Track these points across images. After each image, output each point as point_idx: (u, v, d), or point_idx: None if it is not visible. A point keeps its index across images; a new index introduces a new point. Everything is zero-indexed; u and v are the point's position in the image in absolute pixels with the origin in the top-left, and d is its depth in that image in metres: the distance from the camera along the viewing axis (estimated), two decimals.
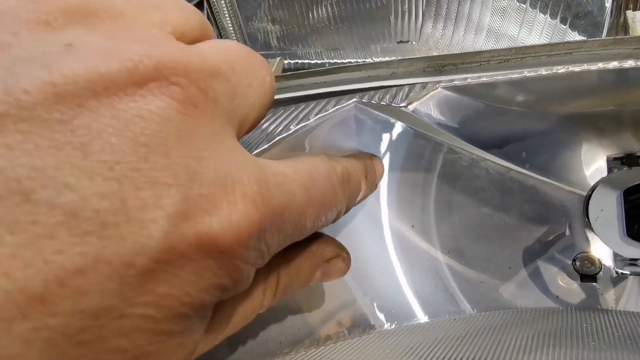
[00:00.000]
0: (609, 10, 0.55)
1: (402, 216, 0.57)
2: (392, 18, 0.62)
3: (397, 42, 0.64)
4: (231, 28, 0.69)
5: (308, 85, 0.55)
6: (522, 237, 0.59)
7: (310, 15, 0.66)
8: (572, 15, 0.58)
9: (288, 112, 0.49)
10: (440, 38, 0.62)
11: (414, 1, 0.60)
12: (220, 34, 0.69)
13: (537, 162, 0.57)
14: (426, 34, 0.62)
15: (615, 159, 0.56)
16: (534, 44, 0.54)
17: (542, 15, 0.58)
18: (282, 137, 0.44)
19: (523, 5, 0.58)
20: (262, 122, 0.51)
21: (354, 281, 0.53)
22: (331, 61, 0.69)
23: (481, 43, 0.62)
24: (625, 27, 0.52)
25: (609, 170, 0.56)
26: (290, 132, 0.45)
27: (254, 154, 0.43)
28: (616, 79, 0.47)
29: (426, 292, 0.55)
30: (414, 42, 0.63)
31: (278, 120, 0.49)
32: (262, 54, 0.75)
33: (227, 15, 0.68)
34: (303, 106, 0.50)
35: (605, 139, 0.56)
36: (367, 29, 0.65)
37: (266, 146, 0.43)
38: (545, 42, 0.60)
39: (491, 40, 0.61)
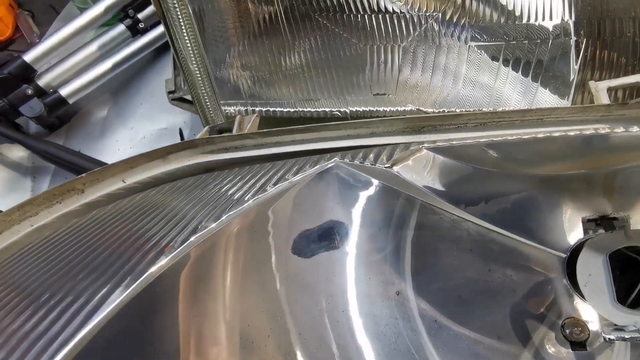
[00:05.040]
0: (577, 69, 0.58)
1: (378, 285, 0.52)
2: (367, 68, 0.63)
3: (374, 95, 0.63)
4: (197, 73, 0.65)
5: (285, 142, 0.53)
6: (508, 302, 0.56)
7: (283, 62, 0.64)
8: (542, 73, 0.61)
9: (265, 170, 0.46)
10: (417, 86, 0.62)
11: (389, 52, 0.60)
12: (187, 79, 0.66)
13: (516, 222, 0.57)
14: (403, 83, 0.62)
15: (589, 220, 0.56)
16: (508, 109, 0.56)
17: (514, 73, 0.61)
18: (257, 198, 0.40)
19: (495, 63, 0.61)
20: (234, 180, 0.47)
21: None
22: (305, 110, 0.67)
23: (458, 90, 0.63)
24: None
25: (585, 231, 0.56)
26: (267, 192, 0.41)
27: (226, 216, 0.39)
28: (585, 144, 0.49)
29: None
30: (390, 95, 0.63)
31: (256, 177, 0.45)
32: (231, 102, 0.72)
33: (193, 60, 0.65)
34: (281, 164, 0.47)
35: (579, 201, 0.56)
36: (342, 78, 0.64)
37: (247, 203, 0.39)
38: (519, 96, 0.62)
39: (468, 88, 0.63)
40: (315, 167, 0.44)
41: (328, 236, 0.45)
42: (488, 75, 0.64)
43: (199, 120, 1.08)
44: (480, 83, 0.65)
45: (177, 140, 1.05)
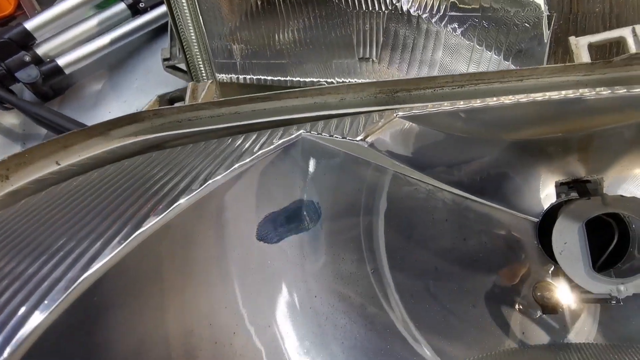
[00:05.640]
0: (548, 44, 0.57)
1: (352, 264, 0.50)
2: (354, 35, 0.63)
3: (359, 59, 0.63)
4: (195, 41, 0.67)
5: (245, 113, 0.47)
6: (483, 269, 0.55)
7: (276, 37, 0.65)
8: (515, 51, 0.60)
9: (224, 146, 0.41)
10: (397, 69, 0.63)
11: (374, 32, 0.60)
12: (183, 46, 0.67)
13: (490, 188, 0.55)
14: (385, 62, 0.62)
15: (562, 184, 0.56)
16: (486, 70, 0.53)
17: (488, 52, 0.60)
18: (216, 180, 0.35)
19: (471, 43, 0.59)
20: (188, 158, 0.42)
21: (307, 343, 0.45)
22: (294, 79, 0.68)
23: (437, 66, 0.62)
24: (564, 60, 0.53)
25: (558, 195, 0.55)
26: (227, 172, 0.36)
27: (184, 200, 0.34)
28: (566, 107, 0.47)
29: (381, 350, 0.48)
30: (374, 60, 0.63)
31: (212, 155, 0.40)
32: (224, 62, 0.72)
33: (191, 30, 0.67)
34: (242, 138, 0.42)
35: (554, 164, 0.55)
36: (330, 46, 0.65)
37: (199, 189, 0.34)
38: None
39: (450, 66, 0.61)
40: (281, 141, 0.39)
41: (296, 217, 0.41)
42: (463, 60, 0.64)
43: None
44: (456, 69, 0.65)
45: None
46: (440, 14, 0.59)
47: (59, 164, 0.44)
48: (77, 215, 0.36)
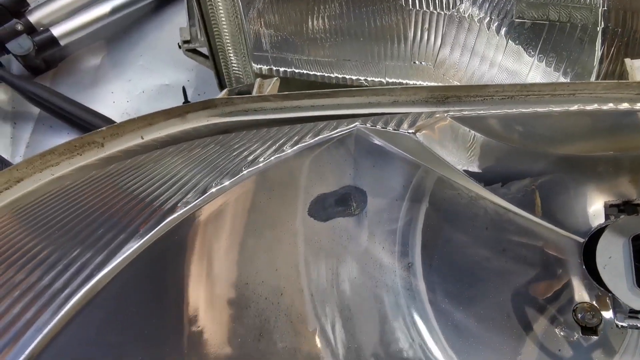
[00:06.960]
0: (606, 64, 0.57)
1: (391, 255, 0.52)
2: (410, 35, 0.58)
3: (413, 63, 0.60)
4: (224, 22, 0.58)
5: (305, 107, 0.52)
6: (521, 282, 0.55)
7: (309, 24, 0.59)
8: (576, 72, 0.59)
9: (283, 133, 0.46)
10: (455, 64, 0.60)
11: (434, 24, 0.57)
12: (210, 29, 0.57)
13: (535, 202, 0.55)
14: (442, 59, 0.60)
15: (612, 205, 0.55)
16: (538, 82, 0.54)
17: (548, 68, 0.59)
18: (276, 157, 0.40)
19: (531, 58, 0.58)
20: (252, 140, 0.47)
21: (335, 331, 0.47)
22: (332, 75, 0.62)
23: (494, 74, 0.61)
24: (614, 76, 0.53)
25: (607, 217, 0.54)
26: (285, 153, 0.41)
27: (247, 171, 0.39)
28: (616, 123, 0.47)
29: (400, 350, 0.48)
30: (430, 65, 0.59)
31: (271, 141, 0.45)
32: (256, 55, 0.66)
33: (221, 7, 0.57)
34: (300, 127, 0.46)
35: (604, 184, 0.54)
36: (378, 45, 0.60)
37: (251, 169, 0.39)
38: None
39: (502, 75, 0.61)
40: (336, 131, 0.43)
41: (344, 202, 0.44)
42: (524, 65, 0.61)
43: (203, 80, 0.98)
44: (516, 71, 0.62)
45: (180, 98, 0.96)
46: (503, 26, 0.57)
47: (143, 138, 0.51)
48: (156, 177, 0.42)
